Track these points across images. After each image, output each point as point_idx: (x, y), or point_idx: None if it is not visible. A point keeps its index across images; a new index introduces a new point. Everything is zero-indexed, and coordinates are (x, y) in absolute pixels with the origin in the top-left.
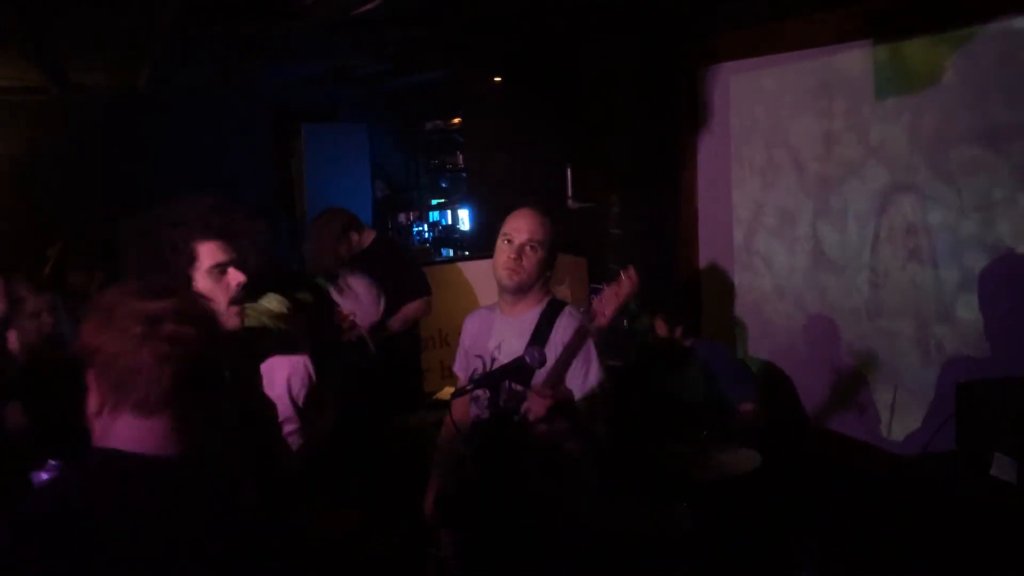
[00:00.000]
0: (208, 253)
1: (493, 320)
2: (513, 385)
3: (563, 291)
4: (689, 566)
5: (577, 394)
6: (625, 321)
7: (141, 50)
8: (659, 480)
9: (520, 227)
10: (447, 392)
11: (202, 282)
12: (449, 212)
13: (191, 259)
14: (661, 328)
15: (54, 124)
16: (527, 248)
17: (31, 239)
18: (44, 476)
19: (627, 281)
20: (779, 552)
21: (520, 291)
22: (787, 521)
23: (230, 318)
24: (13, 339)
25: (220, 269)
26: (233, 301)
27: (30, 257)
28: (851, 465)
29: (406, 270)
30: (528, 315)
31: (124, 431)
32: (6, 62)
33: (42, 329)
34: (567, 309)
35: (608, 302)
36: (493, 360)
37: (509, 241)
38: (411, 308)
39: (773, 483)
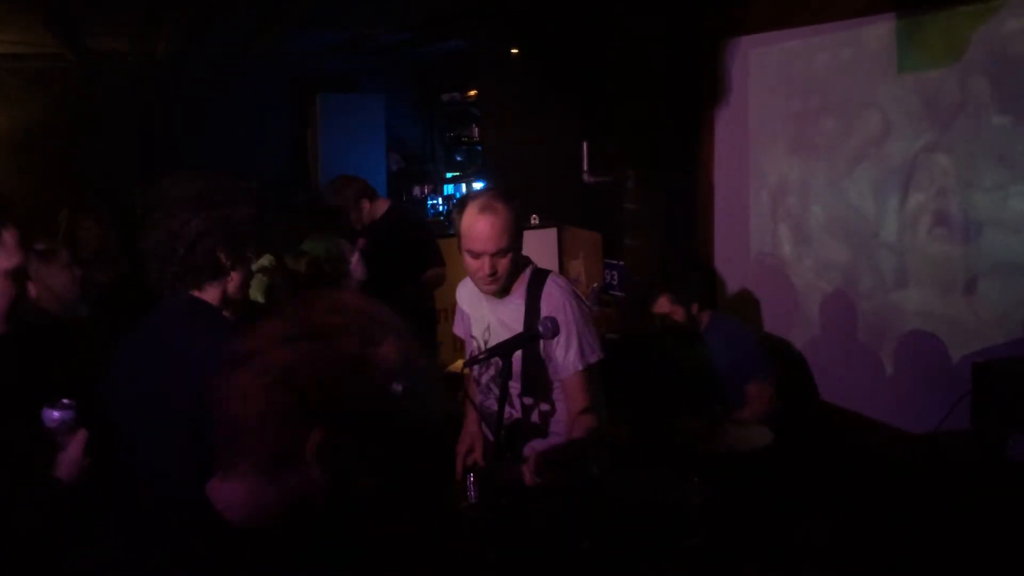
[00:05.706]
0: None
1: (482, 299)
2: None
3: (577, 266)
4: (701, 539)
5: (566, 374)
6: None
7: (161, 15)
8: (671, 453)
9: (483, 240)
10: (459, 365)
11: None
12: (464, 185)
13: None
14: (664, 306)
15: (70, 91)
16: (497, 260)
17: (47, 204)
18: (55, 415)
19: None
20: (790, 528)
21: (503, 292)
22: (798, 497)
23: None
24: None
25: None
26: None
27: (45, 221)
28: (863, 442)
29: (420, 240)
30: (514, 295)
31: None
32: (23, 28)
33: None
34: (551, 279)
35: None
36: (486, 343)
37: (476, 256)
38: (426, 277)
39: (785, 459)
